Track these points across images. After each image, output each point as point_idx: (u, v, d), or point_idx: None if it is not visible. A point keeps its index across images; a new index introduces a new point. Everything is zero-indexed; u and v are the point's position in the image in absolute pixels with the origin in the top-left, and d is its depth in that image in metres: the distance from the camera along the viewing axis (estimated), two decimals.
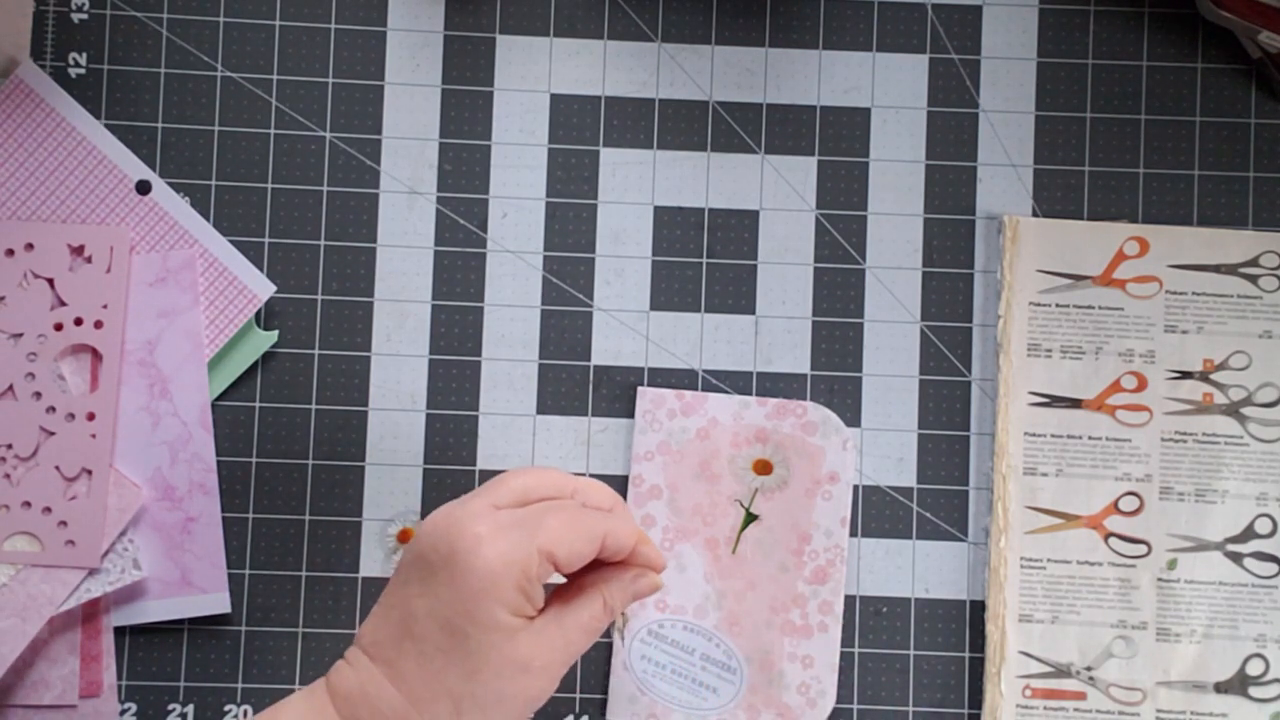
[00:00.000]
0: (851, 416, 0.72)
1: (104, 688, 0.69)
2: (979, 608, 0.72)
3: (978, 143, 0.73)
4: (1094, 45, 0.74)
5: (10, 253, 0.70)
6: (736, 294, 0.73)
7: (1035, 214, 0.73)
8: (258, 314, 0.72)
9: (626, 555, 0.58)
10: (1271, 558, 0.71)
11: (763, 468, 0.71)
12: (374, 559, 0.71)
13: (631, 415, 0.72)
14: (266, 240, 0.72)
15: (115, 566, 0.69)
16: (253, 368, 0.71)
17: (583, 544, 0.56)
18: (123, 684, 0.70)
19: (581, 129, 0.73)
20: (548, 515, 0.56)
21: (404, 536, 0.71)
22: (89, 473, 0.69)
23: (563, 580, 0.59)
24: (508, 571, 0.54)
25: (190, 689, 0.70)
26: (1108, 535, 0.71)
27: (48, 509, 0.68)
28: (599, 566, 0.58)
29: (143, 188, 0.71)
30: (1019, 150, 0.73)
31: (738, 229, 0.73)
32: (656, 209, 0.73)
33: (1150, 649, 0.71)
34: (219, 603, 0.70)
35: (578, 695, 0.71)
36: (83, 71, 0.72)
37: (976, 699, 0.71)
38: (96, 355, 0.70)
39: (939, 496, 0.72)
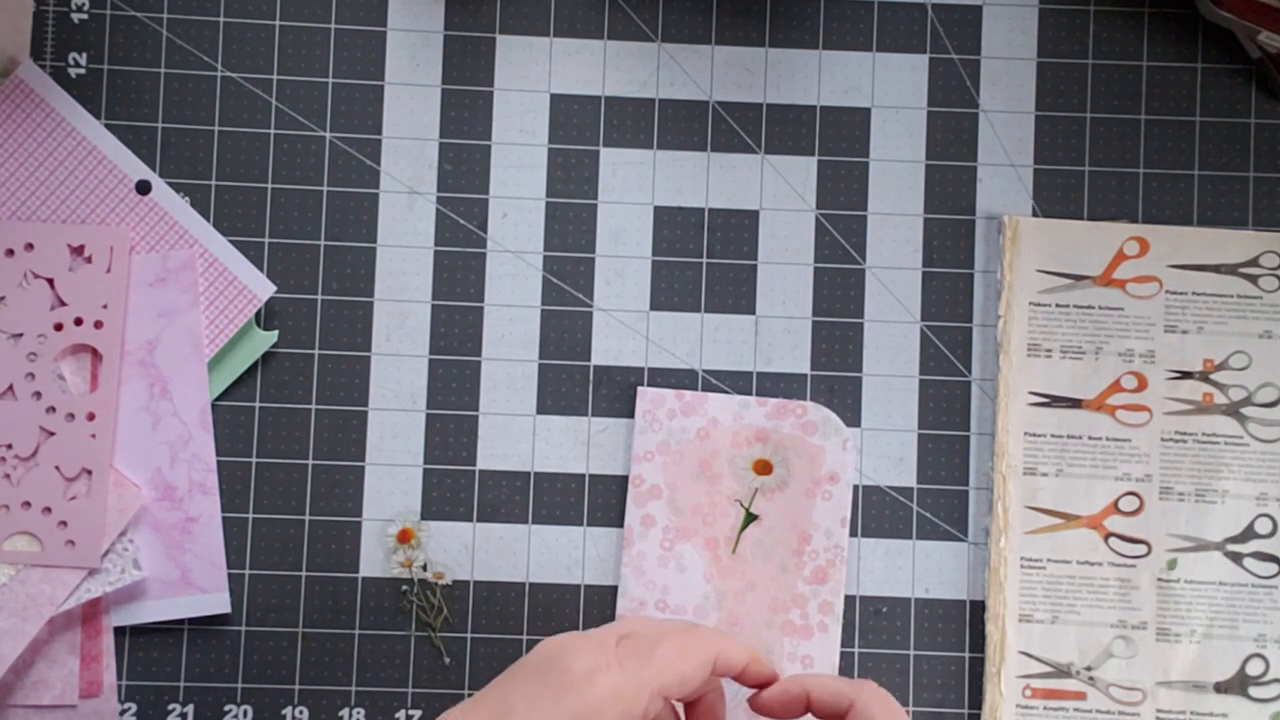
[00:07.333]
0: (851, 416, 0.72)
1: (104, 688, 0.69)
2: (979, 608, 0.72)
3: (978, 143, 0.73)
4: (1094, 45, 0.74)
5: (10, 253, 0.70)
6: (736, 294, 0.73)
7: (1035, 214, 0.73)
8: (258, 314, 0.72)
9: (736, 674, 0.60)
10: (1271, 558, 0.71)
11: (763, 468, 0.71)
12: (374, 559, 0.71)
13: (631, 415, 0.72)
14: (266, 240, 0.72)
15: (115, 566, 0.69)
16: (253, 368, 0.71)
17: (695, 668, 0.57)
18: (123, 684, 0.70)
19: (581, 129, 0.73)
20: (661, 643, 0.57)
21: (404, 536, 0.71)
22: (89, 473, 0.69)
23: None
24: (615, 706, 0.54)
25: (190, 689, 0.70)
26: (1108, 535, 0.71)
27: (48, 509, 0.68)
28: None
29: (143, 188, 0.71)
30: (1019, 150, 0.73)
31: (738, 229, 0.73)
32: (656, 209, 0.73)
33: (1150, 649, 0.71)
34: (219, 603, 0.70)
35: None
36: (83, 71, 0.72)
37: (976, 699, 0.71)
38: (96, 355, 0.70)
39: (939, 496, 0.72)
